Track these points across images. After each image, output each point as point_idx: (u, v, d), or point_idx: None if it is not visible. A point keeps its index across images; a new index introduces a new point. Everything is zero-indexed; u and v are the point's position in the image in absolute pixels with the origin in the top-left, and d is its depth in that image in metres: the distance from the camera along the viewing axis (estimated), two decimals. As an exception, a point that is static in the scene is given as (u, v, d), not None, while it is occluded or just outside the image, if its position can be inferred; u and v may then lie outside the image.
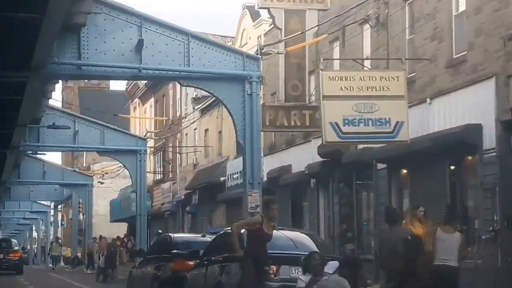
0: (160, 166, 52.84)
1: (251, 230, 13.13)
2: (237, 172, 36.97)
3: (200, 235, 20.22)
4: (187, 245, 18.73)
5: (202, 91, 38.36)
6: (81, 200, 60.68)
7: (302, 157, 29.43)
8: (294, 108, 25.47)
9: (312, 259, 12.26)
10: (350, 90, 20.47)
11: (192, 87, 25.75)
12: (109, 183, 63.14)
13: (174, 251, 18.49)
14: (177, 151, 48.58)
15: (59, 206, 77.69)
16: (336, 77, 20.69)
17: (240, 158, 36.67)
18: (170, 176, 50.77)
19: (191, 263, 17.59)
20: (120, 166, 59.68)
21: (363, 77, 20.73)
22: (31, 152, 47.82)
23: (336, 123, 20.30)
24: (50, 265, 73.26)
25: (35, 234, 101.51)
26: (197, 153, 45.01)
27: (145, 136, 39.66)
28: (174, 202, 47.87)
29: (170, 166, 51.38)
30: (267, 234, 12.99)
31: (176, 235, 20.42)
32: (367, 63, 23.90)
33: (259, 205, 21.80)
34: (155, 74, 23.71)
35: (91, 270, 49.00)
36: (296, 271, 13.46)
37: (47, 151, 39.55)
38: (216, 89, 23.62)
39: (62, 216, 76.71)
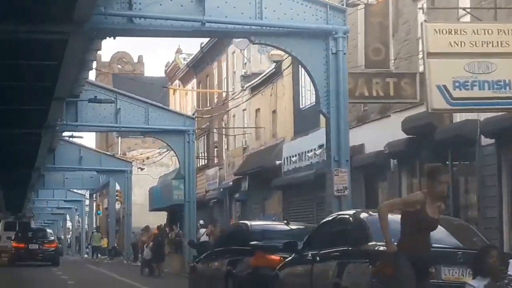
0: (204, 151, 49.31)
1: (409, 213, 9.12)
2: (296, 155, 33.30)
3: (281, 223, 16.41)
4: (269, 235, 15.14)
5: (251, 67, 35.39)
6: (118, 188, 57.98)
7: (378, 135, 25.69)
8: (376, 76, 21.81)
9: (488, 257, 8.62)
10: (461, 46, 16.84)
11: (266, 44, 22.06)
12: (146, 171, 60.32)
13: (254, 242, 14.87)
14: (224, 134, 44.97)
15: (95, 195, 74.64)
16: (444, 30, 16.97)
17: (299, 139, 33.23)
18: (216, 161, 47.16)
19: (276, 257, 14.00)
20: (158, 153, 56.94)
21: (477, 30, 17.00)
22: (67, 136, 45.11)
23: (445, 87, 16.69)
24: (86, 255, 70.70)
25: (69, 224, 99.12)
26: (247, 136, 41.32)
27: (193, 115, 36.14)
28: (221, 189, 44.24)
29: (215, 150, 47.79)
30: (431, 220, 9.05)
31: (253, 223, 16.47)
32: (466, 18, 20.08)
33: (347, 187, 18.15)
34: (220, 29, 20.46)
35: (130, 262, 46.18)
36: (454, 272, 9.69)
37: (86, 130, 36.31)
38: (293, 47, 20.29)
39: (98, 205, 73.75)
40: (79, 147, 48.79)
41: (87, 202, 77.96)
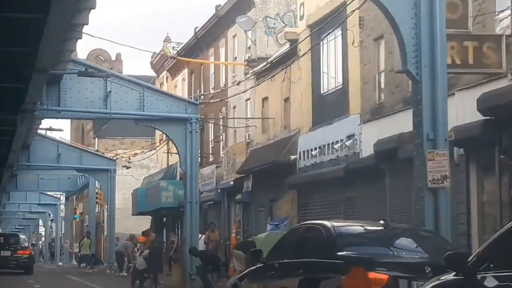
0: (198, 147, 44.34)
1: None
2: (316, 148, 28.42)
3: (377, 224, 11.27)
4: (363, 241, 10.21)
5: (258, 51, 30.71)
6: (99, 189, 52.86)
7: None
8: (452, 38, 17.05)
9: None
10: None
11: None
12: (126, 173, 55.31)
13: (344, 253, 9.95)
14: (222, 124, 39.99)
15: (71, 198, 69.32)
16: None
17: (320, 130, 28.18)
18: (212, 159, 42.17)
19: (382, 275, 9.14)
20: (142, 151, 51.68)
21: None
22: (45, 128, 40.06)
23: None
24: (60, 263, 65.31)
25: (41, 229, 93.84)
26: (251, 129, 36.39)
27: (197, 100, 31.09)
28: (219, 190, 39.22)
29: (211, 147, 42.79)
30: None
31: (337, 224, 11.22)
32: None
33: (447, 175, 13.27)
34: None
35: (114, 271, 41.24)
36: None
37: (70, 117, 31.27)
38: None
39: (74, 209, 68.59)
40: (57, 143, 43.93)
41: (62, 207, 72.94)
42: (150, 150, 52.27)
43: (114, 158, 47.26)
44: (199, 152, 39.82)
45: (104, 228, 55.23)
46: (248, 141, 36.29)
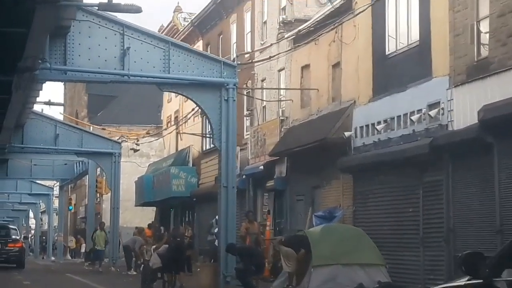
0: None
1: None
2: (381, 122, 23.08)
3: None
4: None
5: (295, 12, 30.37)
6: (99, 176, 47.80)
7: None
8: None
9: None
10: None
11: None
12: (124, 160, 49.93)
13: None
14: (250, 100, 34.66)
15: (65, 187, 63.79)
16: None
17: (385, 100, 22.73)
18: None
19: None
20: (147, 134, 46.62)
21: None
22: (43, 103, 35.15)
23: None
24: (53, 258, 59.98)
25: (31, 222, 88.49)
26: (286, 104, 31.01)
27: (234, 61, 25.67)
28: (244, 176, 33.78)
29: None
30: None
31: None
32: None
33: None
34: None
35: (119, 269, 36.04)
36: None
37: (79, 79, 25.58)
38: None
39: (69, 199, 63.27)
40: (55, 122, 38.65)
41: (54, 197, 67.67)
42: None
43: (120, 140, 41.74)
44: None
45: (102, 220, 50.02)
46: (282, 118, 30.86)
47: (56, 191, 66.97)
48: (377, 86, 23.88)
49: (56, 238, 65.42)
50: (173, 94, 43.15)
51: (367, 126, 23.93)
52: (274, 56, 28.17)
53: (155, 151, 59.37)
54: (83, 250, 59.62)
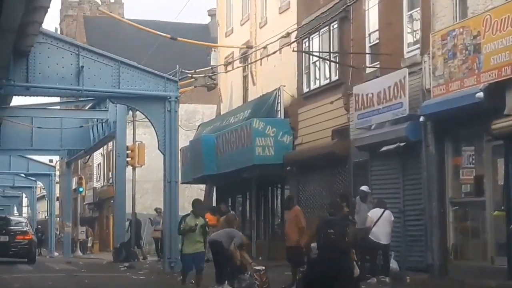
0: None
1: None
2: None
3: None
4: None
5: None
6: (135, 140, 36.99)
7: None
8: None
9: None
10: None
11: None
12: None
13: None
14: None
15: (72, 163, 51.62)
16: None
17: None
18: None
19: None
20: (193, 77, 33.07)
21: None
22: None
23: None
24: (56, 253, 49.46)
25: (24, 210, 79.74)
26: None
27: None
28: (421, 119, 19.70)
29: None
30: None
31: None
32: None
33: None
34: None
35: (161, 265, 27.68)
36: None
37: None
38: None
39: (80, 178, 52.92)
40: (78, 49, 26.26)
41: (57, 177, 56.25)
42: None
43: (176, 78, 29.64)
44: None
45: (120, 206, 36.53)
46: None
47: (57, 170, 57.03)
48: None
49: (65, 229, 50.10)
50: (236, 24, 34.74)
51: None
52: None
53: (187, 114, 47.79)
54: (89, 244, 53.43)
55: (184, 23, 54.72)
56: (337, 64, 25.11)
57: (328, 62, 25.83)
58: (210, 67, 35.00)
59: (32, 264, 33.91)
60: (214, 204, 33.48)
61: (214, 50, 36.37)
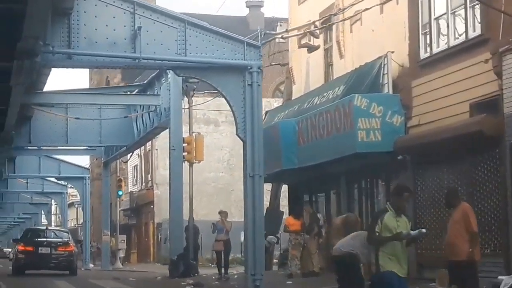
0: None
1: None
2: None
3: None
4: None
5: None
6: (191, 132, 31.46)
7: None
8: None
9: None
10: None
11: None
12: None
13: None
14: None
15: (110, 164, 46.05)
16: None
17: None
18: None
19: None
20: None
21: None
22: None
23: None
24: (91, 265, 46.23)
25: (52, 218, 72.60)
26: None
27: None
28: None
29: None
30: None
31: None
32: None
33: None
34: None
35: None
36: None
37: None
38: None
39: (119, 180, 48.56)
40: None
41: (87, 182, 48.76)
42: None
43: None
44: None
45: (176, 209, 30.39)
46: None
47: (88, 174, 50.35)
48: None
49: (104, 239, 45.62)
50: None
51: None
52: None
53: (225, 116, 43.97)
54: (121, 255, 48.84)
55: (221, 15, 54.58)
56: (478, 16, 18.75)
57: (462, 15, 19.16)
58: (305, 24, 26.72)
59: (74, 276, 32.44)
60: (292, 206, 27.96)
61: (280, 25, 34.77)
